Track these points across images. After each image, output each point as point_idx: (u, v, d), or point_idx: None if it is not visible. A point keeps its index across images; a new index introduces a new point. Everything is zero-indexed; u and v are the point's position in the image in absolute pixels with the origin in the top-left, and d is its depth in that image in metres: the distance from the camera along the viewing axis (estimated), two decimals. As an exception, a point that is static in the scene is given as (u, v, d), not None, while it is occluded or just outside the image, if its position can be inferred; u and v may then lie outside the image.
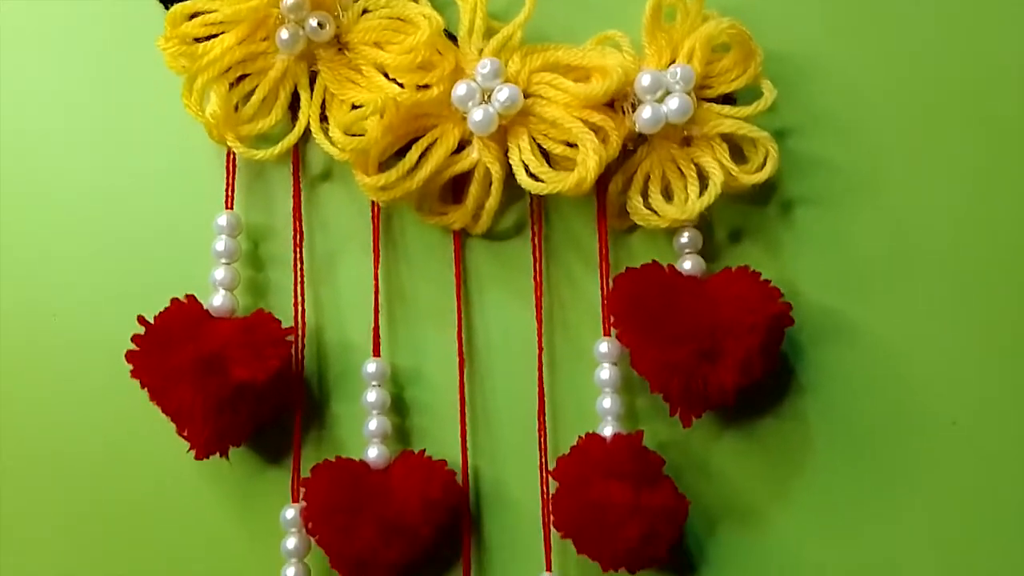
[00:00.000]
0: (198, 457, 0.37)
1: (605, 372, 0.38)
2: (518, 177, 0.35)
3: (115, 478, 0.40)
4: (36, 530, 0.40)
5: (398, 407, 0.40)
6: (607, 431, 0.37)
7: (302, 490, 0.37)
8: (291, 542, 0.37)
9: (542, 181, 0.35)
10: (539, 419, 0.39)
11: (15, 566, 0.40)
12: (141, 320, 0.36)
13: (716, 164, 0.36)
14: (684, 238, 0.38)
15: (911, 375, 0.39)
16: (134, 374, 0.36)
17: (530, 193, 0.38)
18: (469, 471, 0.39)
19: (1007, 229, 0.40)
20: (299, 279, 0.39)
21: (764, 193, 0.39)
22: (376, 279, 0.39)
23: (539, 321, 0.39)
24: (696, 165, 0.36)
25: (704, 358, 0.34)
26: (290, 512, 0.38)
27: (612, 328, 0.37)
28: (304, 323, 0.39)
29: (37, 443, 0.40)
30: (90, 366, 0.40)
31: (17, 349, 0.40)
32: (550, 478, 0.37)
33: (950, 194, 0.40)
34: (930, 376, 0.39)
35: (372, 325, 0.39)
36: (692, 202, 0.36)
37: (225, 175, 0.39)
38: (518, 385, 0.39)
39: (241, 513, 0.39)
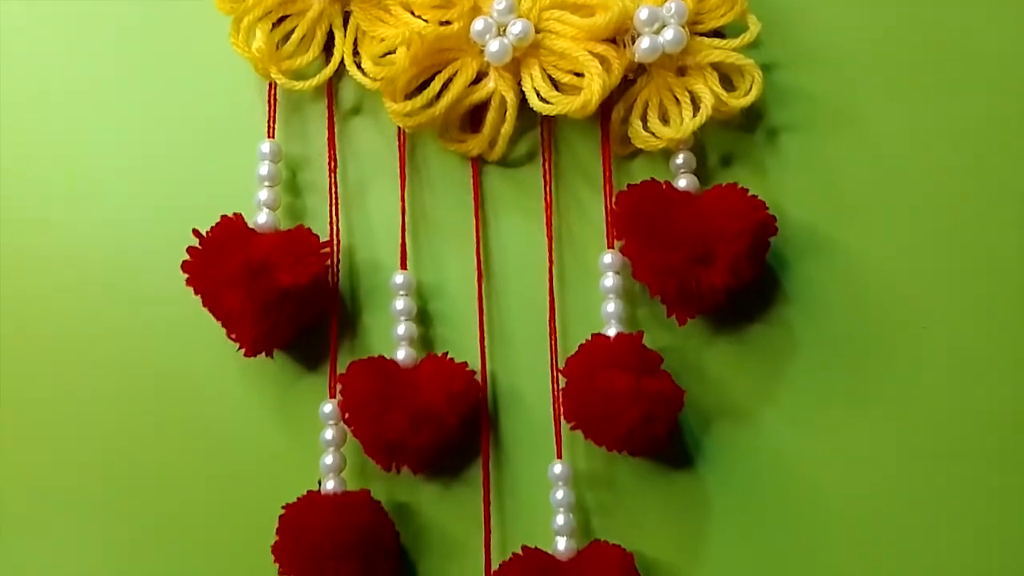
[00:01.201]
0: (247, 355, 0.41)
1: (609, 280, 0.42)
2: (531, 101, 0.40)
3: (168, 380, 0.44)
4: (98, 423, 0.44)
5: (422, 318, 0.44)
6: (611, 332, 0.41)
7: (339, 386, 0.41)
8: (329, 433, 0.42)
9: (552, 104, 0.39)
10: (550, 325, 0.43)
11: (77, 454, 0.44)
12: (195, 233, 0.41)
13: (707, 90, 0.40)
14: (679, 159, 0.42)
15: (886, 285, 0.43)
16: (189, 282, 0.41)
17: (541, 123, 0.43)
18: (487, 375, 0.43)
19: (975, 150, 0.44)
20: (334, 203, 0.44)
21: (751, 122, 0.44)
22: (403, 203, 0.44)
23: (549, 239, 0.43)
24: (689, 92, 0.41)
25: (697, 261, 0.39)
26: (328, 406, 0.42)
27: (615, 241, 0.42)
28: (339, 242, 0.44)
29: (99, 343, 0.44)
30: (147, 277, 0.44)
31: (81, 262, 0.45)
32: (560, 376, 0.42)
33: (922, 120, 0.44)
34: (903, 286, 0.43)
35: (399, 243, 0.43)
36: (686, 123, 0.40)
37: (267, 107, 0.43)
38: (530, 296, 0.44)
39: (282, 410, 0.44)
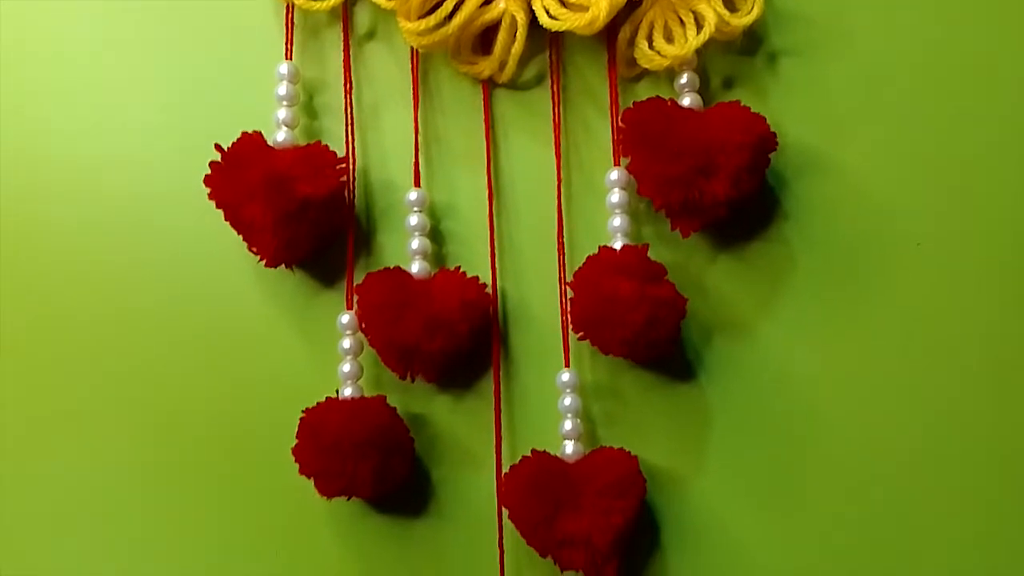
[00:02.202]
0: (268, 266, 0.43)
1: (615, 196, 0.43)
2: (540, 18, 0.41)
3: (191, 297, 0.46)
4: (124, 338, 0.46)
5: (435, 236, 0.46)
6: (617, 245, 0.43)
7: (355, 297, 0.43)
8: (346, 342, 0.44)
9: (560, 20, 0.41)
10: (558, 241, 0.45)
11: (106, 366, 0.46)
12: (217, 148, 0.42)
13: (710, 10, 0.42)
14: (683, 79, 0.43)
15: (881, 203, 0.45)
16: (211, 196, 0.42)
17: (549, 47, 0.44)
18: (497, 290, 0.45)
19: (971, 71, 0.45)
20: (349, 124, 0.45)
21: (752, 45, 0.45)
22: (416, 125, 0.45)
23: (557, 158, 0.45)
24: (693, 12, 0.42)
25: (700, 173, 0.40)
26: (345, 317, 0.44)
27: (621, 158, 0.43)
28: (354, 162, 0.45)
29: (124, 263, 0.46)
30: (170, 197, 0.46)
31: (104, 182, 0.47)
32: (568, 288, 0.43)
33: (915, 42, 0.45)
34: (898, 204, 0.45)
35: (412, 163, 0.45)
36: (690, 41, 0.41)
37: (284, 30, 0.45)
38: (539, 214, 0.45)
39: (302, 323, 0.45)
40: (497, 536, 0.44)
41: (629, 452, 0.43)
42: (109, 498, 0.46)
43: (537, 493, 0.41)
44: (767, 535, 0.44)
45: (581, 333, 0.43)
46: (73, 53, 0.48)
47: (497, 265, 0.45)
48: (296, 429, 0.42)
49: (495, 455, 0.44)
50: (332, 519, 0.45)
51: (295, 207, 0.41)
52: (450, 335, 0.42)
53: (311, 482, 0.43)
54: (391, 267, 0.43)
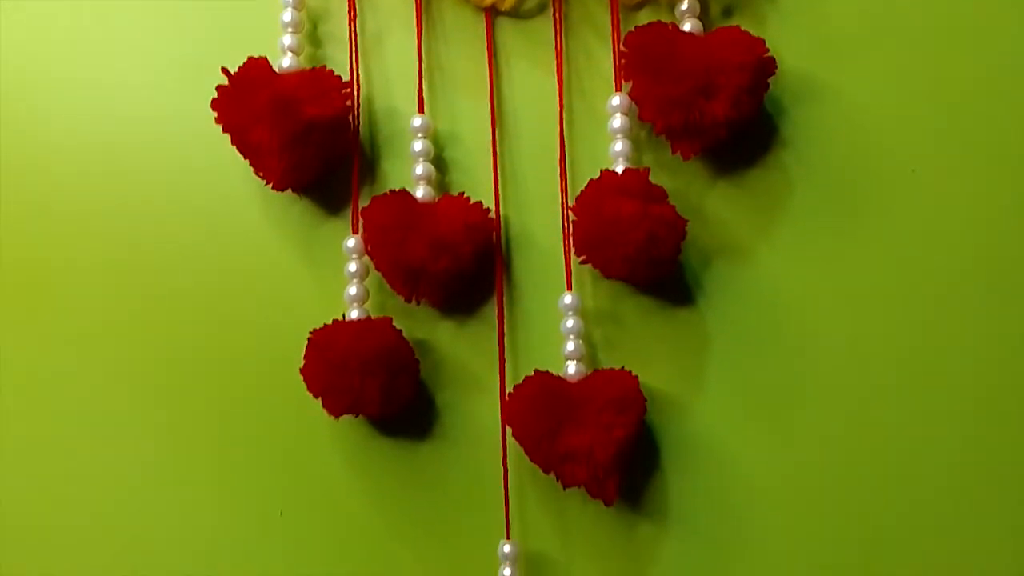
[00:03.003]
0: (276, 189, 0.43)
1: (617, 121, 0.44)
2: (542, -58, 0.42)
3: (199, 224, 0.47)
4: (137, 263, 0.47)
5: (438, 165, 0.46)
6: (619, 168, 0.44)
7: (361, 221, 0.44)
8: (352, 266, 0.44)
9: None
10: (560, 167, 0.45)
11: (113, 286, 0.47)
12: (224, 71, 0.43)
13: (711, -66, 0.42)
14: (684, 5, 0.44)
15: (877, 130, 0.46)
16: (218, 120, 0.43)
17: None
18: (500, 217, 0.46)
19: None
20: (353, 52, 0.46)
21: (752, -28, 0.46)
22: (419, 53, 0.46)
23: (559, 87, 0.46)
24: (694, -63, 0.43)
25: (700, 93, 0.41)
26: (351, 241, 0.44)
27: (623, 84, 0.44)
28: (359, 89, 0.46)
29: (135, 189, 0.47)
30: (176, 124, 0.47)
31: (112, 111, 0.48)
32: (570, 213, 0.44)
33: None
34: (893, 130, 0.46)
35: (416, 91, 0.46)
36: (691, -38, 0.42)
37: (289, -43, 0.45)
38: (541, 142, 0.46)
39: (308, 250, 0.46)
40: (501, 456, 0.45)
41: (630, 372, 0.43)
42: (116, 419, 0.47)
43: (540, 410, 0.42)
44: (765, 455, 0.45)
45: (583, 257, 0.43)
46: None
47: (500, 192, 0.46)
48: (303, 352, 0.43)
49: (499, 377, 0.45)
50: (338, 442, 0.46)
51: (301, 129, 0.42)
52: (455, 257, 0.42)
53: (318, 404, 0.44)
54: (396, 190, 0.44)
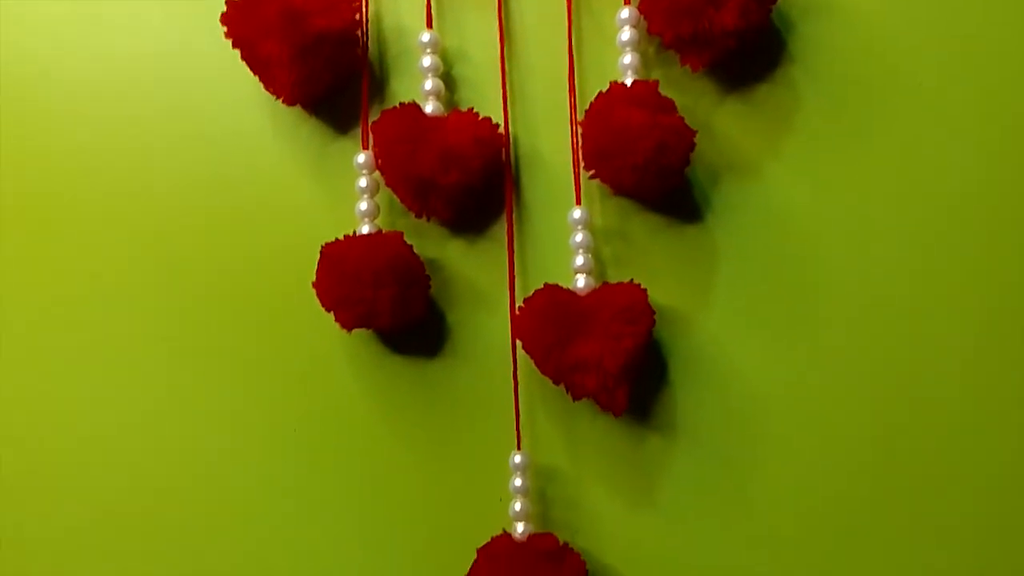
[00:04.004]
0: (286, 103, 0.44)
1: (626, 34, 0.44)
2: None
3: (208, 138, 0.47)
4: (152, 181, 0.47)
5: (447, 82, 0.47)
6: (628, 81, 0.44)
7: (371, 138, 0.44)
8: (363, 181, 0.45)
9: None
10: (569, 83, 0.45)
11: (125, 204, 0.47)
12: (233, -15, 0.43)
13: None
14: (692, -84, 0.44)
15: (885, 45, 0.46)
16: (227, 35, 0.43)
17: None
18: (509, 136, 0.46)
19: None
20: (361, -33, 0.46)
21: None
22: (427, -31, 0.46)
23: (568, 1, 0.46)
24: None
25: (709, 3, 0.41)
26: (361, 157, 0.45)
27: (631, -4, 0.44)
28: (367, 4, 0.46)
29: (142, 104, 0.47)
30: (187, 42, 0.47)
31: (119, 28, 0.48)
32: (579, 128, 0.44)
33: None
34: (901, 45, 0.46)
35: (424, 7, 0.46)
36: None
37: None
38: (550, 59, 0.46)
39: (319, 167, 0.47)
40: (512, 371, 0.45)
41: (638, 285, 0.44)
42: (128, 337, 0.48)
43: (550, 322, 0.43)
44: (772, 368, 0.46)
45: (592, 171, 0.44)
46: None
47: (509, 109, 0.46)
48: (315, 268, 0.44)
49: (508, 293, 0.46)
50: (351, 359, 0.47)
51: (311, 41, 0.42)
52: (464, 170, 0.43)
53: (330, 320, 0.44)
54: (407, 102, 0.44)
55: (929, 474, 0.45)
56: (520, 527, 0.44)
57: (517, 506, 0.44)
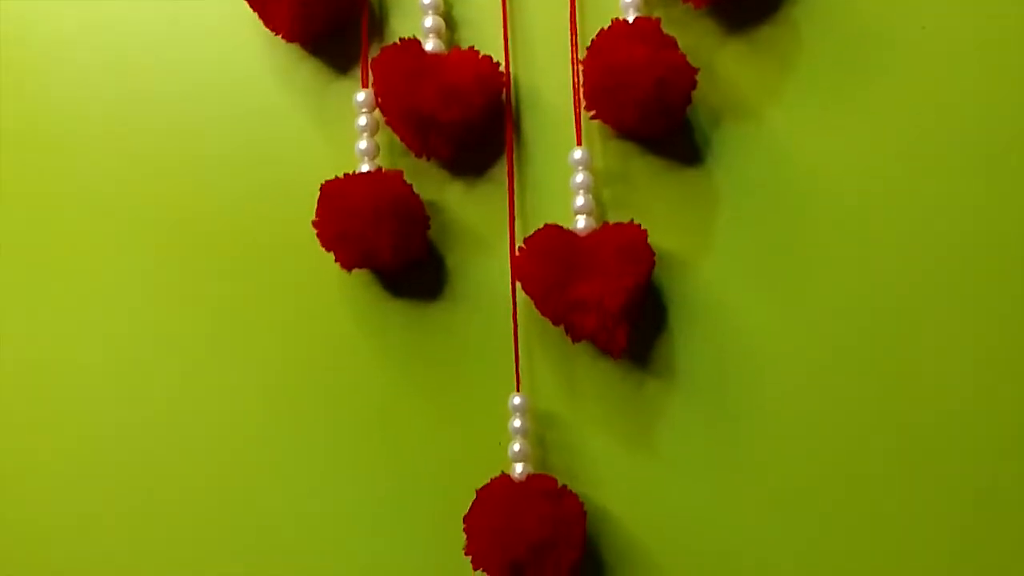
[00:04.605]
0: (285, 39, 0.44)
1: (628, -28, 0.44)
2: None
3: (207, 78, 0.47)
4: (144, 120, 0.47)
5: (448, 22, 0.46)
6: (630, 18, 0.44)
7: (371, 76, 0.44)
8: (363, 120, 0.45)
9: None
10: (571, 23, 0.45)
11: (128, 146, 0.47)
12: (232, -83, 0.42)
13: None
14: None
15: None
16: (227, -30, 0.43)
17: None
18: (510, 76, 0.46)
19: None
20: (360, -95, 0.45)
21: None
22: (427, -92, 0.45)
23: (570, -61, 0.45)
24: None
25: (713, -63, 0.41)
26: (361, 95, 0.45)
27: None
28: (366, -57, 0.46)
29: (142, 44, 0.47)
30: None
31: None
32: (580, 67, 0.44)
33: None
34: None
35: (425, -56, 0.45)
36: None
37: None
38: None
39: (318, 106, 0.47)
40: (511, 313, 0.45)
41: (638, 225, 0.44)
42: (127, 276, 0.48)
43: (550, 262, 0.43)
44: (771, 314, 0.46)
45: (593, 112, 0.44)
46: None
47: (509, 49, 0.46)
48: (315, 208, 0.44)
49: (508, 235, 0.45)
50: (350, 302, 0.47)
51: (310, -25, 0.42)
52: (466, 106, 0.43)
53: (329, 260, 0.44)
54: (405, 40, 0.44)
55: (927, 421, 0.45)
56: (519, 468, 0.44)
57: (516, 447, 0.44)
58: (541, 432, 0.46)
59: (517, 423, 0.45)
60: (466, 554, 0.43)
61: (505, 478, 0.44)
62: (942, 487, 0.44)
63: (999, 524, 0.44)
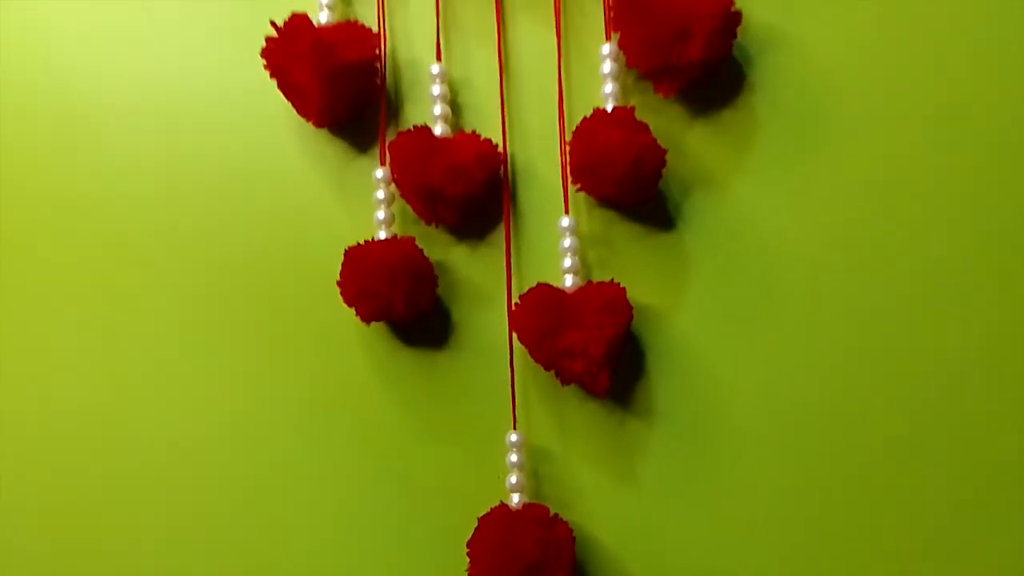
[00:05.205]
0: (315, 124, 0.51)
1: (607, 67, 0.51)
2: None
3: (246, 160, 0.54)
4: (189, 194, 0.54)
5: (453, 107, 0.53)
6: (609, 107, 0.51)
7: (388, 156, 0.51)
8: (380, 193, 0.51)
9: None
10: (559, 108, 0.52)
11: (170, 213, 0.54)
12: (273, 24, 0.50)
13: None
14: (664, -34, 0.51)
15: (831, 75, 0.52)
16: (267, 66, 0.50)
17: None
18: (507, 153, 0.53)
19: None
20: (380, 9, 0.53)
21: (724, -61, 0.53)
22: (437, 9, 0.53)
23: (558, 37, 0.53)
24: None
25: (678, 38, 0.48)
26: (379, 172, 0.52)
27: (612, 35, 0.51)
28: (385, 42, 0.53)
29: (188, 130, 0.54)
30: (228, 74, 0.54)
31: (173, 64, 0.55)
32: (567, 147, 0.51)
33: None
34: (845, 74, 0.52)
35: (435, 42, 0.53)
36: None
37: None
38: (543, 87, 0.53)
39: (341, 182, 0.53)
40: (508, 359, 0.52)
41: (618, 284, 0.50)
42: (169, 332, 0.54)
43: (542, 315, 0.49)
44: (738, 359, 0.52)
45: (579, 184, 0.51)
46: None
47: (507, 130, 0.53)
48: (338, 270, 0.50)
49: (506, 292, 0.52)
50: (368, 351, 0.53)
51: (337, 70, 0.49)
52: (469, 182, 0.49)
53: (350, 315, 0.51)
54: (419, 125, 0.51)
55: (877, 446, 0.51)
56: (515, 498, 0.50)
57: (513, 479, 0.50)
58: (535, 465, 0.52)
59: (514, 458, 0.51)
60: (469, 575, 0.49)
61: (503, 507, 0.50)
62: (906, 513, 0.50)
63: (972, 560, 0.50)
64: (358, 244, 0.51)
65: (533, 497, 0.51)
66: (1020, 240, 0.51)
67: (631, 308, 0.50)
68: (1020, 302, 0.50)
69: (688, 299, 0.52)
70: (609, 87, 0.51)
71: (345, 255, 0.50)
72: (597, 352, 0.48)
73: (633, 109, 0.50)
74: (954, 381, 0.51)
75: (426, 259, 0.51)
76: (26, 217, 0.55)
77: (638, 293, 0.52)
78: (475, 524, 0.49)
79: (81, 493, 0.54)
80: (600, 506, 0.51)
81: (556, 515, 0.49)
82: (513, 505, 0.50)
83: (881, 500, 0.50)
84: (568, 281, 0.51)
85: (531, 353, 0.50)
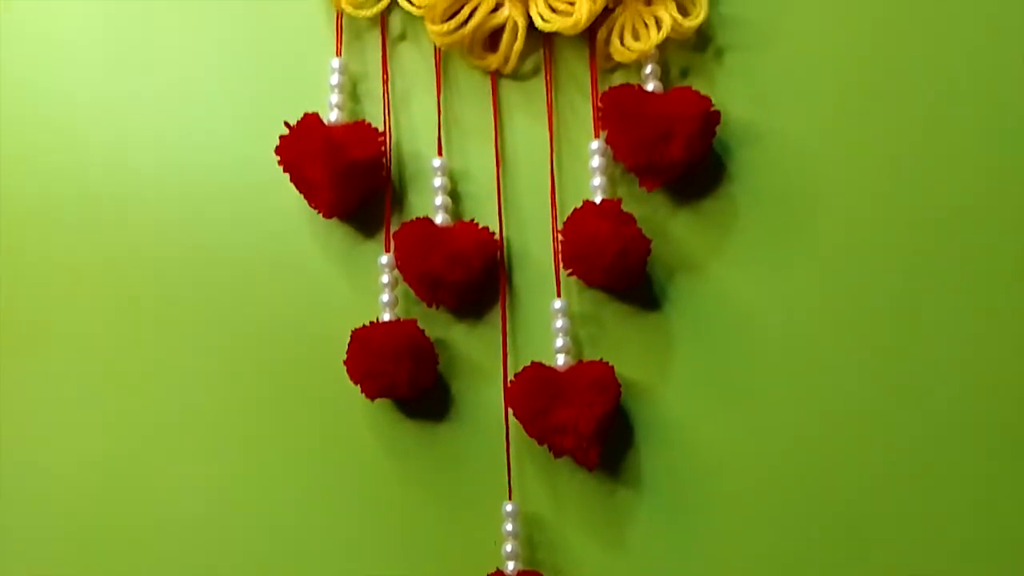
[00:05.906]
0: (325, 216, 0.54)
1: (595, 162, 0.55)
2: (535, 22, 0.53)
3: (258, 245, 0.57)
4: (203, 280, 0.58)
5: (454, 197, 0.57)
6: (597, 199, 0.55)
7: (392, 243, 0.55)
8: (385, 278, 0.55)
9: (550, 22, 0.53)
10: (551, 198, 0.56)
11: (184, 297, 0.57)
12: (286, 124, 0.54)
13: (667, 14, 0.53)
14: (648, 70, 0.55)
15: (807, 167, 0.56)
16: (280, 162, 0.54)
17: (543, 45, 0.56)
18: (503, 239, 0.56)
19: (876, 71, 0.57)
20: (386, 107, 0.57)
21: (703, 43, 0.57)
22: (439, 107, 0.57)
23: (550, 133, 0.57)
24: (654, 16, 0.54)
25: (661, 139, 0.52)
26: (384, 258, 0.55)
27: (600, 132, 0.55)
28: (390, 137, 0.57)
29: (206, 220, 0.58)
30: (240, 171, 0.58)
31: (187, 161, 0.59)
32: (559, 235, 0.55)
33: (833, 42, 0.57)
34: (821, 167, 0.56)
35: (436, 138, 0.57)
36: (652, 38, 0.53)
37: (335, 32, 0.57)
38: (536, 179, 0.57)
39: (348, 266, 0.57)
40: (504, 433, 0.55)
41: (607, 363, 0.54)
42: (179, 408, 0.57)
43: (535, 393, 0.52)
44: (722, 434, 0.55)
45: (570, 270, 0.54)
46: (158, 54, 0.59)
47: (503, 218, 0.57)
48: (345, 349, 0.54)
49: (502, 369, 0.55)
50: (372, 425, 0.56)
51: (346, 167, 0.53)
52: (467, 268, 0.53)
53: (355, 393, 0.54)
54: (421, 217, 0.55)
55: (865, 521, 0.54)
56: (511, 565, 0.53)
57: (508, 547, 0.53)
58: (529, 533, 0.55)
59: (509, 526, 0.54)
60: (467, 639, 0.51)
61: (499, 574, 0.53)
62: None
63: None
64: (364, 326, 0.54)
65: (528, 564, 0.54)
66: (998, 317, 0.54)
67: (619, 386, 0.53)
68: (1001, 376, 0.54)
69: (674, 375, 0.55)
70: (597, 180, 0.55)
71: (352, 336, 0.53)
72: (587, 429, 0.51)
73: (619, 201, 0.54)
74: (939, 447, 0.54)
75: (427, 339, 0.54)
76: (47, 294, 0.58)
77: (627, 370, 0.55)
78: (473, 591, 0.52)
79: (79, 565, 0.56)
80: (591, 571, 0.54)
81: (549, 581, 0.52)
82: (508, 572, 0.53)
83: (868, 567, 0.53)
84: (560, 360, 0.54)
85: (525, 429, 0.53)
